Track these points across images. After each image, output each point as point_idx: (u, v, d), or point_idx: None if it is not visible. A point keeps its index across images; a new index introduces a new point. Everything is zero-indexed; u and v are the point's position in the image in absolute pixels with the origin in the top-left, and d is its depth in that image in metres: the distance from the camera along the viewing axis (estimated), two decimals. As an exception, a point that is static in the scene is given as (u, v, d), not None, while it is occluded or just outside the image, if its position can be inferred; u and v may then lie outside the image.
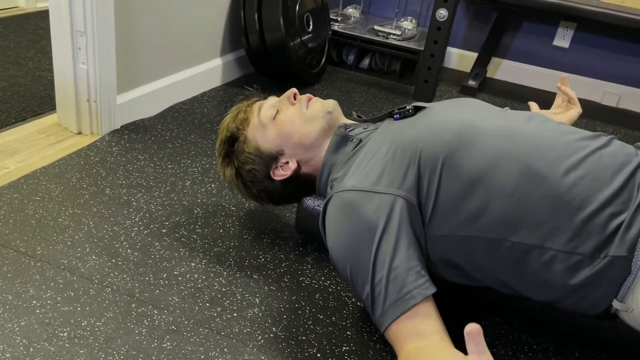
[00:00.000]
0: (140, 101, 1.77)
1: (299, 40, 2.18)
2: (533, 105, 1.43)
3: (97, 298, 1.05)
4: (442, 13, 2.16)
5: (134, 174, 1.48)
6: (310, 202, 1.23)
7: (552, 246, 0.91)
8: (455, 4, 2.15)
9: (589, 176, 0.92)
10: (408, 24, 2.71)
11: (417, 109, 1.10)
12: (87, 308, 1.02)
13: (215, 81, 2.15)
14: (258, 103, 1.22)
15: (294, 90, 1.19)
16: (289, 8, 2.13)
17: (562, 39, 2.65)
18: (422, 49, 2.41)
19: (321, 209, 1.06)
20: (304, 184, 1.20)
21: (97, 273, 1.11)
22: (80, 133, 1.67)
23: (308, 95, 1.19)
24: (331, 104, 1.18)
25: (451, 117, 1.03)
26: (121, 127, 1.72)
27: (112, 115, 1.67)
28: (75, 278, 1.09)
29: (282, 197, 1.23)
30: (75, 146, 1.58)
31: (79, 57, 1.57)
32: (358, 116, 1.24)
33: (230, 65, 2.21)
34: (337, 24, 2.61)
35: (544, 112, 1.38)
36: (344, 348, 1.01)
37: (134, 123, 1.75)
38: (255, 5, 2.08)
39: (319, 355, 0.99)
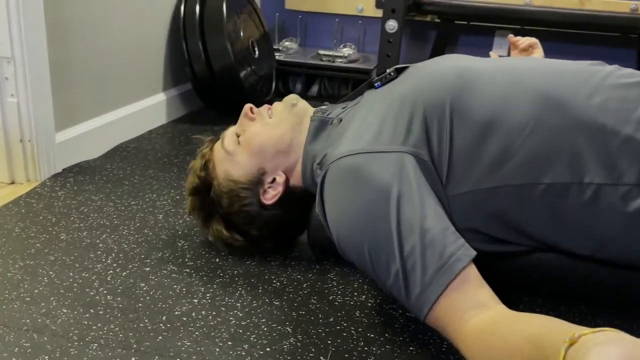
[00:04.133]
0: (81, 140, 1.52)
1: (248, 68, 2.03)
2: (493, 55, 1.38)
3: (82, 358, 0.78)
4: (392, 24, 2.10)
5: (91, 215, 1.21)
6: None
7: (592, 180, 0.78)
8: (403, 14, 2.10)
9: (615, 97, 0.81)
10: (348, 50, 2.64)
11: (399, 72, 0.97)
12: (72, 372, 0.75)
13: (160, 119, 1.93)
14: (215, 143, 1.07)
15: (249, 105, 1.04)
16: (233, 33, 1.98)
17: (501, 47, 2.68)
18: (372, 67, 2.33)
19: (317, 193, 0.89)
20: (301, 198, 1.02)
21: (74, 328, 0.84)
22: (13, 182, 1.38)
23: (266, 105, 1.05)
24: (292, 97, 1.05)
25: (444, 64, 0.93)
26: (63, 170, 1.45)
27: (52, 156, 1.41)
28: (45, 339, 0.82)
29: (286, 225, 1.05)
30: (10, 196, 1.30)
31: (6, 89, 1.31)
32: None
33: (174, 101, 2.01)
34: (278, 53, 2.49)
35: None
36: (415, 366, 0.80)
37: (77, 165, 1.48)
38: (197, 33, 1.91)
39: (388, 379, 0.78)
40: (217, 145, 1.06)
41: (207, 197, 1.03)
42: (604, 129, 0.79)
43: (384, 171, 0.81)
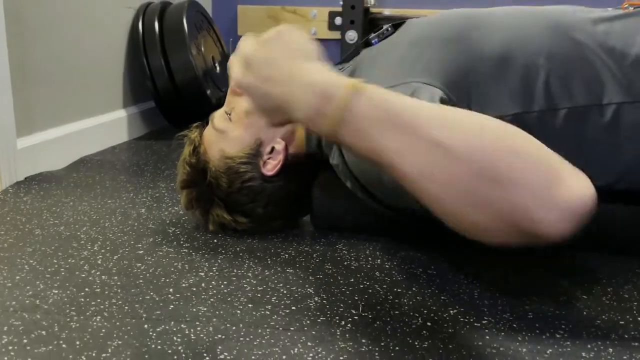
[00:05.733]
0: (43, 149, 1.41)
1: (212, 84, 1.98)
2: None
3: (87, 329, 0.68)
4: (352, 35, 2.13)
5: (65, 213, 1.11)
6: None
7: (611, 99, 0.80)
8: (363, 25, 2.14)
9: (616, 24, 0.85)
10: (305, 71, 2.66)
11: (396, 27, 0.97)
12: (78, 342, 0.65)
13: (122, 136, 1.84)
14: (203, 128, 1.03)
15: None
16: (195, 48, 1.94)
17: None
18: (332, 83, 2.35)
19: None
20: (303, 166, 0.98)
21: (70, 305, 0.74)
22: (-31, 193, 1.25)
23: None
24: None
25: (447, 12, 0.94)
26: (26, 178, 1.33)
27: (13, 162, 1.29)
28: (38, 316, 0.71)
29: (292, 197, 0.99)
30: (-32, 204, 1.17)
31: (-37, 88, 1.21)
32: None
33: (135, 119, 1.92)
34: (236, 75, 2.47)
35: None
36: (452, 312, 0.75)
37: (40, 174, 1.37)
38: (158, 48, 1.86)
39: (429, 323, 0.72)
40: (207, 129, 1.01)
41: (203, 183, 0.96)
42: (614, 51, 0.81)
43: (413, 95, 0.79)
